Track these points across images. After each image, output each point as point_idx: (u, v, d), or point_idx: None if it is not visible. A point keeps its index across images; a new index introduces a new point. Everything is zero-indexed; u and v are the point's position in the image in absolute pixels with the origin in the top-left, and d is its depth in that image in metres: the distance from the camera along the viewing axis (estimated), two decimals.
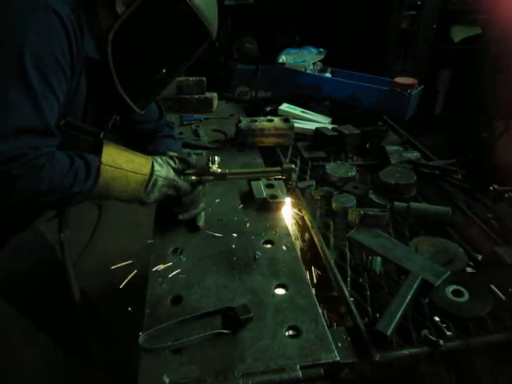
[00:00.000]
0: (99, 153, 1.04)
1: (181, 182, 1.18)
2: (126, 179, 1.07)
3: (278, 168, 1.32)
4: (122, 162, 1.07)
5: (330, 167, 1.60)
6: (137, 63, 1.10)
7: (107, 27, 1.01)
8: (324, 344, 0.90)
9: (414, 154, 1.68)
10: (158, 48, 1.11)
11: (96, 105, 1.13)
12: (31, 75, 0.86)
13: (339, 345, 0.92)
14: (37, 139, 0.90)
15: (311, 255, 1.32)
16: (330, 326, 0.97)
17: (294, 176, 1.33)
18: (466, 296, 1.05)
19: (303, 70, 2.21)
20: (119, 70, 1.05)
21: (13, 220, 1.26)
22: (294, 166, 1.32)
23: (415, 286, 1.05)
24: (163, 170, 1.15)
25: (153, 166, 1.12)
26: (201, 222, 1.27)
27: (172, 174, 1.16)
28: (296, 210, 1.43)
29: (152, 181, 1.12)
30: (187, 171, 1.21)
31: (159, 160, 1.16)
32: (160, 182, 1.13)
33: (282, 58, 2.28)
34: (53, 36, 0.90)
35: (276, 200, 1.36)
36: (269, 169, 1.40)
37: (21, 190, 0.90)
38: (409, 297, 1.02)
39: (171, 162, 1.18)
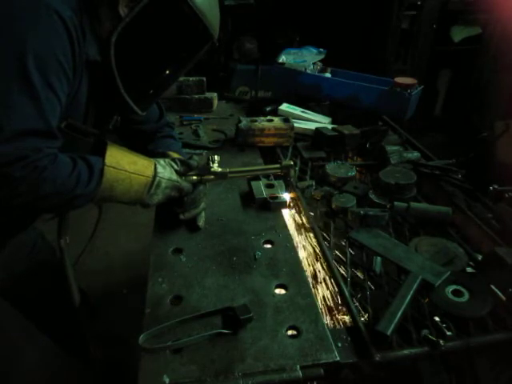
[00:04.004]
0: (102, 154, 1.04)
1: (183, 183, 1.18)
2: (129, 181, 1.07)
3: (278, 165, 1.33)
4: (125, 164, 1.06)
5: (329, 167, 1.60)
6: (139, 65, 1.10)
7: (110, 30, 1.01)
8: (324, 344, 0.90)
9: (414, 154, 1.68)
10: (161, 50, 1.11)
11: (97, 106, 1.13)
12: (33, 77, 0.86)
13: (339, 345, 0.92)
14: (39, 141, 0.89)
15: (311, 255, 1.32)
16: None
17: (293, 172, 1.34)
18: (466, 296, 1.05)
19: (303, 69, 2.21)
20: (121, 72, 1.04)
21: (13, 221, 1.26)
22: (292, 163, 1.33)
23: (415, 286, 1.05)
24: (166, 171, 1.15)
25: (156, 168, 1.12)
26: (201, 222, 1.27)
27: (175, 176, 1.17)
28: (296, 210, 1.44)
29: (155, 183, 1.11)
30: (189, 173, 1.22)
31: (162, 162, 1.16)
32: (163, 183, 1.13)
33: (282, 58, 2.27)
34: (55, 38, 0.90)
35: (276, 200, 1.36)
36: (268, 166, 1.41)
37: (23, 192, 0.89)
38: (409, 297, 1.02)
39: (173, 164, 1.18)
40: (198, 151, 1.77)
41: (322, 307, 1.06)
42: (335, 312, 1.07)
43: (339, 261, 1.20)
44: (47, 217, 1.29)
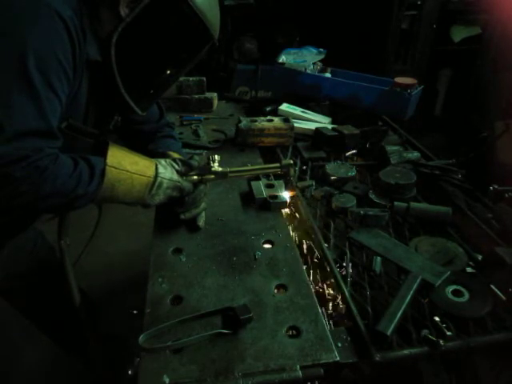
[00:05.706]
0: (103, 154, 1.04)
1: (184, 183, 1.18)
2: (130, 181, 1.06)
3: (277, 164, 1.34)
4: (126, 164, 1.06)
5: (329, 167, 1.60)
6: (139, 65, 1.10)
7: (110, 30, 1.01)
8: (324, 344, 0.90)
9: (414, 154, 1.68)
10: (161, 50, 1.11)
11: (97, 106, 1.13)
12: (34, 77, 0.86)
13: (339, 345, 0.92)
14: (40, 141, 0.89)
15: (311, 255, 1.32)
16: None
17: (293, 171, 1.35)
18: (466, 296, 1.05)
19: (303, 69, 2.21)
20: (122, 73, 1.05)
21: (13, 222, 1.26)
22: (292, 162, 1.33)
23: (415, 286, 1.05)
24: (167, 172, 1.15)
25: (157, 168, 1.12)
26: (201, 222, 1.27)
27: (176, 176, 1.17)
28: (296, 210, 1.43)
29: (157, 183, 1.11)
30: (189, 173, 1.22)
31: (163, 162, 1.16)
32: (165, 184, 1.13)
33: (282, 58, 2.27)
34: (55, 38, 0.90)
35: (276, 200, 1.36)
36: (268, 165, 1.41)
37: (24, 192, 0.89)
38: (409, 297, 1.02)
39: (174, 165, 1.19)
40: (198, 151, 1.77)
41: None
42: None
43: (339, 261, 1.19)
44: (47, 217, 1.29)
